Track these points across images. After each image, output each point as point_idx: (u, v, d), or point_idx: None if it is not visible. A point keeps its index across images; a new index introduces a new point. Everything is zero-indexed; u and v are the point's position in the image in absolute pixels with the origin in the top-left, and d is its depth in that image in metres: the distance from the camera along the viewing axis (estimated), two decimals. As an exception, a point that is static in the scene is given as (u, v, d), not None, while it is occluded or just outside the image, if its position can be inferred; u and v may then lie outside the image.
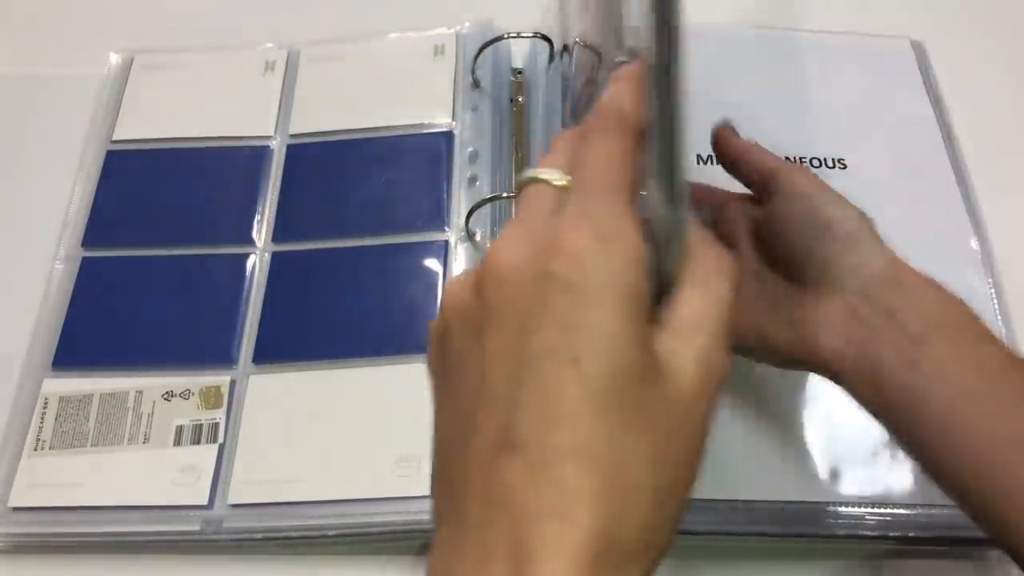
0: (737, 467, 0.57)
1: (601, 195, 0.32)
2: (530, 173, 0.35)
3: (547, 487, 0.28)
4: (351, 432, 0.59)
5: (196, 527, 0.56)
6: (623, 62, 0.37)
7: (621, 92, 0.34)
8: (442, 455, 0.33)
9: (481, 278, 0.32)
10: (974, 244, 0.66)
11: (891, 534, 0.56)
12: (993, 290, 0.64)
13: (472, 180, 0.68)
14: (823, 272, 0.46)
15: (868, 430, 0.52)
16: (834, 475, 0.57)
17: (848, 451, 0.58)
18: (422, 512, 0.55)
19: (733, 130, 0.53)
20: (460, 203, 0.67)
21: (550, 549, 0.27)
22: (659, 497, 0.29)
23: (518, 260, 0.31)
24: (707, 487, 0.56)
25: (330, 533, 0.56)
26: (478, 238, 0.66)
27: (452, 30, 0.76)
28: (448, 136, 0.70)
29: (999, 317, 0.63)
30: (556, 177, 0.34)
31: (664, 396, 0.30)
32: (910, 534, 0.56)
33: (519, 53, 0.77)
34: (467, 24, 0.77)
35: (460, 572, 0.29)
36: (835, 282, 0.46)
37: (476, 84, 0.73)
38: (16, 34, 0.83)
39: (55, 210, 0.69)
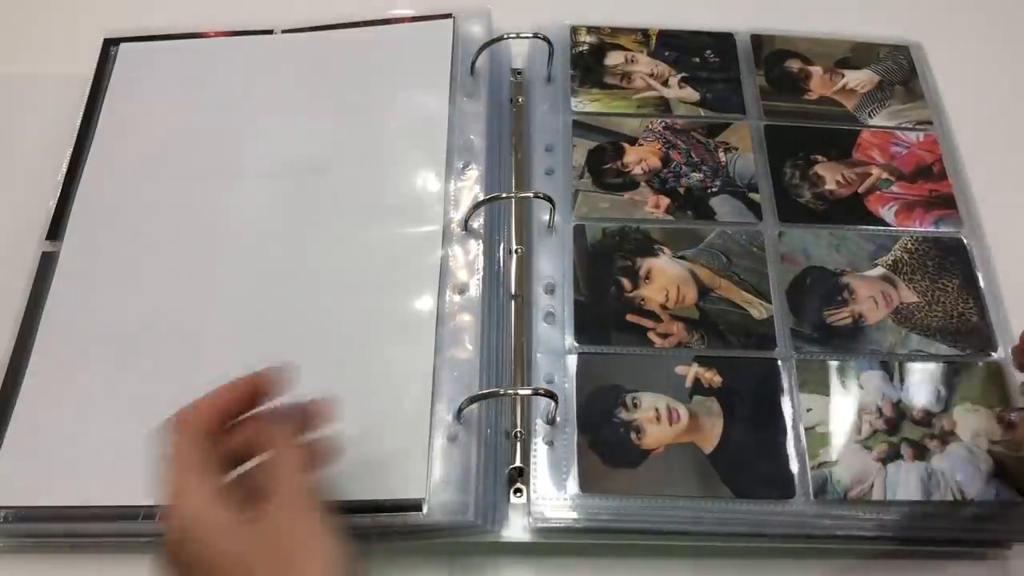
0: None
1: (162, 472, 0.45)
2: None
3: None
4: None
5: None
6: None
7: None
8: None
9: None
10: (972, 244, 0.67)
11: (891, 534, 0.56)
12: (990, 289, 0.65)
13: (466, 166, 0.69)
14: None
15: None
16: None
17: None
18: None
19: None
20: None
21: None
22: None
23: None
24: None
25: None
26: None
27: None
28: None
29: (998, 316, 0.63)
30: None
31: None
32: (910, 534, 0.56)
33: (519, 53, 0.77)
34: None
35: None
36: None
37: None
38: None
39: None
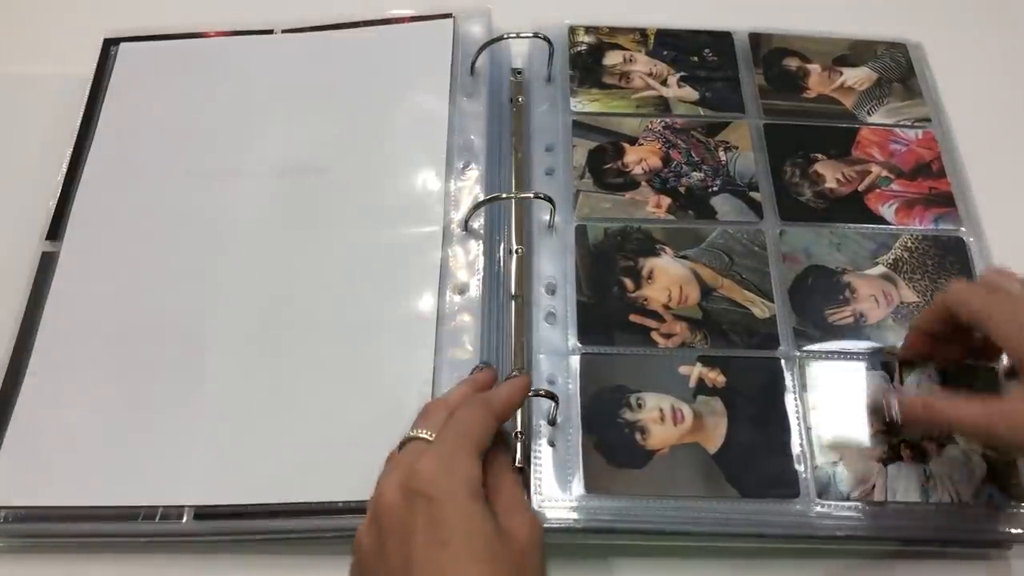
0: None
1: (453, 440, 0.48)
2: (409, 434, 0.51)
3: None
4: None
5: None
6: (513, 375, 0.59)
7: (501, 390, 0.53)
8: None
9: (375, 512, 0.48)
10: (971, 242, 0.67)
11: (891, 535, 0.56)
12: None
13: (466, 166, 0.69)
14: None
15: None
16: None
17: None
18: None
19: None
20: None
21: None
22: None
23: (392, 492, 0.47)
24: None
25: (328, 534, 0.57)
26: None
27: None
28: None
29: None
30: (426, 435, 0.50)
31: (510, 549, 0.46)
32: (910, 534, 0.56)
33: (519, 53, 0.77)
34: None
35: None
36: None
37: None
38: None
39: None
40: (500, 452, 0.52)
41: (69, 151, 0.72)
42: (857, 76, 0.76)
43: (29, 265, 0.66)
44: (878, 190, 0.69)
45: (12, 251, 0.68)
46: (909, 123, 0.73)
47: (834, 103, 0.74)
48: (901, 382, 0.60)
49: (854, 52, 0.77)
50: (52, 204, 0.69)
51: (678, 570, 0.58)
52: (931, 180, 0.70)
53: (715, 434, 0.58)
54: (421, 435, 0.50)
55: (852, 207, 0.69)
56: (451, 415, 0.50)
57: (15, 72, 0.80)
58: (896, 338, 0.62)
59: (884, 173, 0.70)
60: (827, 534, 0.56)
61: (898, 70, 0.76)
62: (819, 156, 0.71)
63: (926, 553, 0.58)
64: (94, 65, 0.76)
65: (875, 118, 0.73)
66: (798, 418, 0.59)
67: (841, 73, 0.76)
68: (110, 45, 0.77)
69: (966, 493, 0.56)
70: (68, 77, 0.76)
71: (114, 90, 0.75)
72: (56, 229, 0.68)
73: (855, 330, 0.63)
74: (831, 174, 0.70)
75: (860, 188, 0.69)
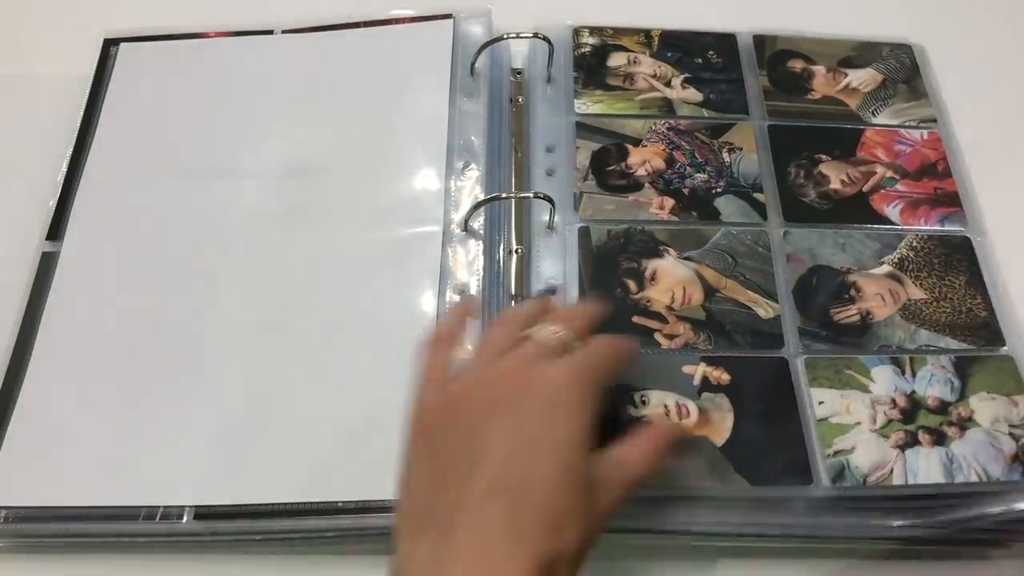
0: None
1: (590, 365, 0.49)
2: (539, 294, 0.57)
3: (520, 516, 0.43)
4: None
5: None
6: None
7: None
8: (426, 488, 0.46)
9: (496, 369, 0.49)
10: (978, 241, 0.67)
11: (890, 535, 0.56)
12: (997, 286, 0.65)
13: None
14: None
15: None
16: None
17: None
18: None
19: None
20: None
21: (513, 561, 0.41)
22: (581, 540, 0.44)
23: (527, 369, 0.48)
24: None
25: (328, 534, 0.56)
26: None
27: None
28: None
29: (1005, 311, 0.63)
30: (563, 334, 0.51)
31: (597, 487, 0.46)
32: (910, 535, 0.56)
33: (519, 53, 0.77)
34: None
35: (443, 571, 0.42)
36: None
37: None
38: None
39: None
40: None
41: (69, 151, 0.71)
42: (862, 77, 0.76)
43: (29, 265, 0.66)
44: (883, 191, 0.69)
45: (12, 251, 0.68)
46: (914, 124, 0.73)
47: (839, 104, 0.74)
48: (913, 375, 0.60)
49: (859, 54, 0.77)
50: (52, 204, 0.69)
51: (679, 571, 0.58)
52: (936, 180, 0.70)
53: (722, 428, 0.58)
54: (559, 332, 0.51)
55: (857, 208, 0.68)
56: (588, 338, 0.52)
57: (15, 72, 0.80)
58: (904, 335, 0.62)
59: (889, 174, 0.70)
60: (828, 535, 0.56)
61: (903, 71, 0.76)
62: (824, 157, 0.71)
63: (928, 552, 0.58)
64: (94, 65, 0.76)
65: (880, 119, 0.73)
66: (806, 410, 0.59)
67: (846, 74, 0.76)
68: (110, 45, 0.77)
69: (995, 471, 0.56)
70: (68, 77, 0.76)
71: (114, 90, 0.75)
72: (56, 229, 0.68)
73: (862, 328, 0.62)
74: (836, 175, 0.70)
75: (865, 189, 0.69)
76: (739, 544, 0.57)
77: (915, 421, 0.58)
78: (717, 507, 0.56)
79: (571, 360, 0.49)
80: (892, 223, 0.68)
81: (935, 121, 0.73)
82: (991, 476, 0.56)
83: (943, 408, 0.59)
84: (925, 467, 0.56)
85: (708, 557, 0.58)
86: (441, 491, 0.45)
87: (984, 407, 0.59)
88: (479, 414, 0.47)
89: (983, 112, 0.75)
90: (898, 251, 0.66)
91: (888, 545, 0.57)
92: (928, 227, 0.67)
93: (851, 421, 0.58)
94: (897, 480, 0.56)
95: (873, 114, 0.73)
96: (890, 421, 0.58)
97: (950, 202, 0.69)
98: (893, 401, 0.59)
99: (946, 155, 0.71)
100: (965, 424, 0.58)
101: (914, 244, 0.66)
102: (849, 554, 0.58)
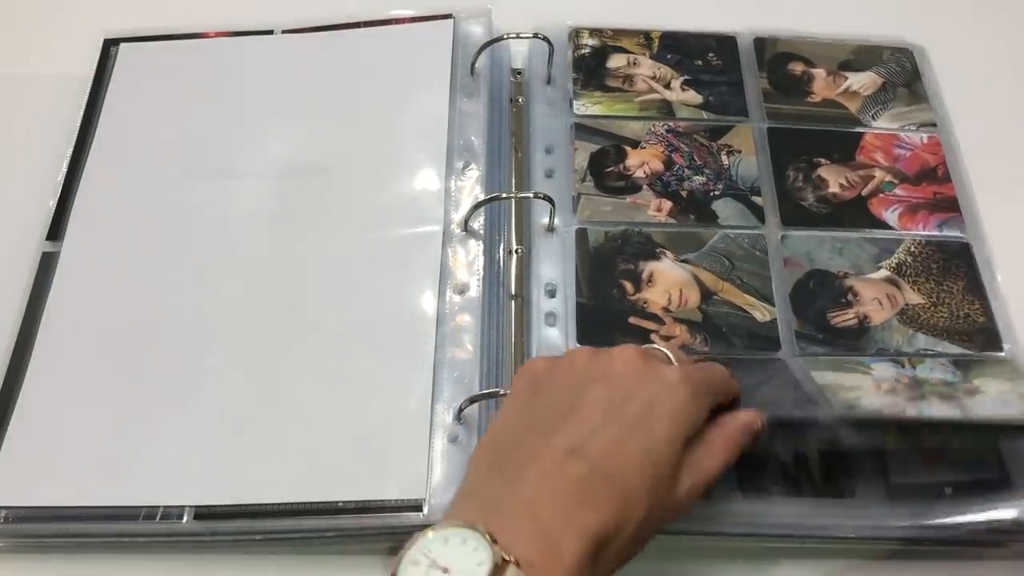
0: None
1: (706, 379, 0.51)
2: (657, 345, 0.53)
3: (592, 488, 0.43)
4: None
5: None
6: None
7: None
8: (515, 431, 0.48)
9: (608, 355, 0.50)
10: (976, 247, 0.67)
11: (891, 535, 0.56)
12: (995, 291, 0.65)
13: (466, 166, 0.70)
14: None
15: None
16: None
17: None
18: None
19: None
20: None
21: (578, 522, 0.42)
22: (635, 535, 0.44)
23: (642, 361, 0.49)
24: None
25: (328, 534, 0.56)
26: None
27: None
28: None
29: (1004, 317, 0.63)
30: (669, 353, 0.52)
31: (673, 486, 0.46)
32: (910, 535, 0.56)
33: (519, 54, 0.77)
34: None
35: (511, 510, 0.43)
36: None
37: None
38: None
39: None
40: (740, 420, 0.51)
41: (69, 151, 0.71)
42: (862, 81, 0.76)
43: (29, 265, 0.66)
44: (881, 195, 0.69)
45: (12, 251, 0.68)
46: (914, 128, 0.73)
47: (839, 107, 0.74)
48: (913, 368, 0.60)
49: (859, 57, 0.77)
50: (52, 204, 0.69)
51: (678, 571, 0.58)
52: (935, 185, 0.70)
53: None
54: (664, 349, 0.52)
55: (855, 212, 0.69)
56: (697, 363, 0.53)
57: (15, 72, 0.80)
58: (902, 339, 0.62)
59: (888, 178, 0.70)
60: (827, 535, 0.56)
61: (903, 75, 0.76)
62: (823, 160, 0.71)
63: (926, 553, 0.58)
64: (94, 65, 0.76)
65: (880, 123, 0.73)
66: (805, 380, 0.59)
67: (846, 78, 0.76)
68: (110, 45, 0.77)
69: (1013, 412, 0.57)
70: (68, 77, 0.76)
71: (114, 90, 0.75)
72: (56, 229, 0.68)
73: (859, 332, 0.63)
74: (835, 179, 0.70)
75: (863, 193, 0.69)
76: (739, 544, 0.57)
77: (921, 389, 0.58)
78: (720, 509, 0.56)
79: (688, 369, 0.50)
80: (890, 227, 0.68)
81: (935, 125, 0.73)
82: (1009, 415, 0.56)
83: (948, 385, 0.59)
84: (938, 409, 0.56)
85: (708, 557, 0.58)
86: (527, 437, 0.46)
87: (990, 383, 0.59)
88: (585, 378, 0.48)
89: (983, 116, 0.75)
90: (896, 256, 0.66)
91: (888, 545, 0.57)
92: (926, 232, 0.67)
93: (855, 388, 0.58)
94: (911, 414, 0.56)
95: (873, 118, 0.74)
96: (895, 389, 0.58)
97: (949, 207, 0.69)
98: (896, 380, 0.59)
99: (946, 159, 0.71)
100: (974, 392, 0.58)
101: (912, 249, 0.66)
102: (849, 554, 0.58)
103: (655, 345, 0.53)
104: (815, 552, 0.58)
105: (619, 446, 0.45)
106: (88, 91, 0.75)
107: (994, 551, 0.58)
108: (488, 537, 0.40)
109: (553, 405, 0.48)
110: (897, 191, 0.70)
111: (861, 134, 0.73)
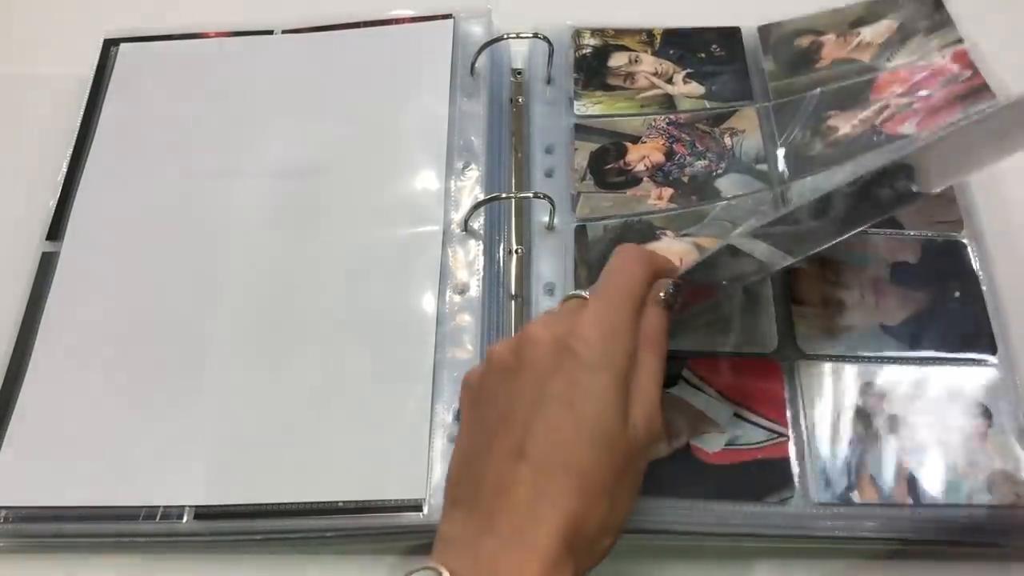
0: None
1: (612, 302, 0.49)
2: (571, 293, 0.52)
3: (543, 485, 0.43)
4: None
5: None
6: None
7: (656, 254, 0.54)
8: (465, 458, 0.48)
9: (520, 343, 0.48)
10: (972, 246, 0.65)
11: (891, 535, 0.56)
12: (991, 291, 0.64)
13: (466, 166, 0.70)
14: None
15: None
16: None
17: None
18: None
19: None
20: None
21: (540, 524, 0.42)
22: (612, 505, 0.44)
23: (548, 334, 0.47)
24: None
25: (328, 534, 0.56)
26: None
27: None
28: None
29: (999, 318, 0.63)
30: (586, 293, 0.51)
31: (625, 441, 0.45)
32: (910, 535, 0.56)
33: (519, 54, 0.77)
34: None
35: (473, 537, 0.43)
36: None
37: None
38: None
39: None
40: (652, 319, 0.50)
41: (69, 151, 0.72)
42: (876, 30, 0.72)
43: (29, 265, 0.67)
44: (898, 116, 0.65)
45: (12, 251, 0.68)
46: (937, 51, 0.68)
47: (850, 63, 0.71)
48: None
49: (872, 11, 0.73)
50: (52, 204, 0.69)
51: (677, 571, 0.58)
52: (963, 83, 0.65)
53: None
54: (578, 293, 0.51)
55: (868, 140, 0.65)
56: (609, 268, 0.52)
57: (15, 72, 0.80)
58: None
59: (905, 100, 0.66)
60: (825, 535, 0.55)
61: (923, 10, 0.71)
62: (832, 113, 0.68)
63: (926, 553, 0.57)
64: (94, 65, 0.76)
65: (896, 61, 0.69)
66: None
67: (859, 33, 0.72)
68: (110, 45, 0.77)
69: None
70: (68, 77, 0.76)
71: (114, 90, 0.75)
72: (56, 229, 0.68)
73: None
74: (846, 123, 0.67)
75: (877, 123, 0.66)
76: (739, 544, 0.57)
77: None
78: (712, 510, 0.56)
79: (597, 304, 0.49)
80: (907, 137, 0.64)
81: (961, 41, 0.68)
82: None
83: None
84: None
85: (708, 557, 0.58)
86: (475, 458, 0.47)
87: None
88: (507, 376, 0.48)
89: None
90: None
91: (888, 545, 0.57)
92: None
93: None
94: None
95: (888, 59, 0.69)
96: None
97: (980, 93, 0.63)
98: None
99: (974, 64, 0.65)
100: None
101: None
102: (849, 554, 0.58)
103: (573, 295, 0.52)
104: (815, 552, 0.58)
105: (555, 431, 0.44)
106: (88, 91, 0.75)
107: (994, 551, 0.58)
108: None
109: (490, 413, 0.47)
110: (915, 105, 0.65)
111: (874, 78, 0.69)
